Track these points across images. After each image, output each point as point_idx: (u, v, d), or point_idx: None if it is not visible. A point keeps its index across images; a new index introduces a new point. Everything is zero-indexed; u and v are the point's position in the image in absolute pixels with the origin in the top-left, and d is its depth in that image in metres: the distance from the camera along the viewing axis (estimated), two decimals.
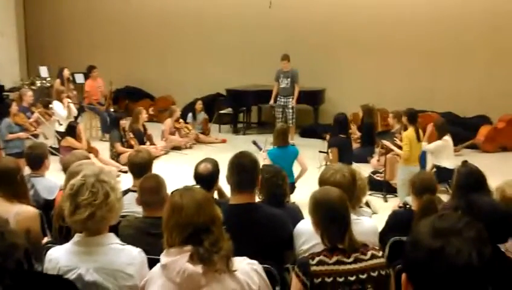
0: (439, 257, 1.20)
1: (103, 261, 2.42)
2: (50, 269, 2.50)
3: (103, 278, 2.40)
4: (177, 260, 2.16)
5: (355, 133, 9.72)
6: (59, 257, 2.49)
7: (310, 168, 6.92)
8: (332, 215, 2.60)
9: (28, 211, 3.50)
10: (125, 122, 9.46)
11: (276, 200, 3.74)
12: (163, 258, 2.22)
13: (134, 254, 2.50)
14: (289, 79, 10.60)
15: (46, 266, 2.53)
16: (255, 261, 2.35)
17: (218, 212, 2.29)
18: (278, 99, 10.80)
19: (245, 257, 2.33)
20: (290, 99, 10.70)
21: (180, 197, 2.27)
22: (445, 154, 7.52)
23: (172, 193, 2.42)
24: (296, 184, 6.65)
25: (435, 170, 7.36)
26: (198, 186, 3.37)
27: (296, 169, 6.74)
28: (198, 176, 3.85)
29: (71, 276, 2.42)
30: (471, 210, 2.62)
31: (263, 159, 6.34)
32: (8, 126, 8.50)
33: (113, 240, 2.51)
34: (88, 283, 2.39)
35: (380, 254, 2.62)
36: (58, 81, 11.06)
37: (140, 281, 2.39)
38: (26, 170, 4.63)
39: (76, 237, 2.49)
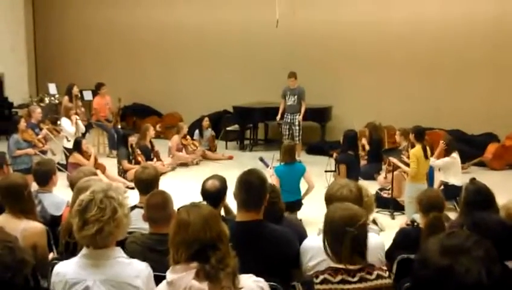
0: (448, 275, 1.19)
1: (110, 273, 2.44)
2: (57, 282, 2.51)
3: None
4: (183, 277, 2.15)
5: (366, 147, 9.66)
6: (66, 270, 2.50)
7: (316, 185, 6.90)
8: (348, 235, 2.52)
9: (35, 227, 3.51)
10: (133, 139, 9.51)
11: (274, 217, 3.73)
12: (169, 275, 2.21)
13: (141, 267, 2.51)
14: (296, 96, 10.63)
15: (54, 280, 2.54)
16: (261, 279, 2.33)
17: (225, 229, 2.28)
18: (285, 116, 10.82)
19: (251, 275, 2.32)
20: (297, 116, 10.71)
21: (187, 214, 2.26)
22: (452, 171, 7.49)
23: (179, 209, 2.42)
24: (303, 201, 6.62)
25: (442, 187, 7.32)
26: (205, 202, 3.36)
27: (303, 186, 6.72)
28: (206, 193, 3.85)
29: (78, 288, 2.43)
30: (478, 228, 2.60)
31: (270, 176, 6.33)
32: (16, 142, 8.55)
33: (120, 253, 2.53)
34: None
35: (386, 274, 2.58)
36: (66, 98, 11.14)
37: (148, 284, 2.40)
38: (34, 186, 4.64)
39: (84, 250, 2.51)
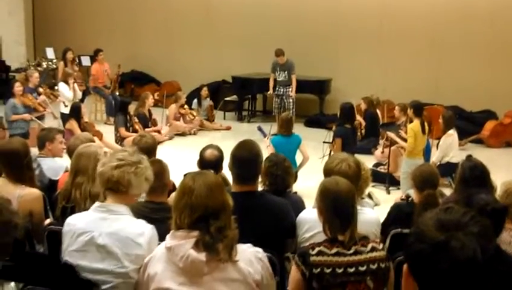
0: (443, 250, 1.19)
1: (116, 227, 2.53)
2: (67, 231, 2.62)
3: (113, 243, 2.50)
4: (182, 244, 2.17)
5: (361, 122, 9.64)
6: (76, 222, 2.62)
7: (313, 159, 6.91)
8: (338, 208, 2.59)
9: (32, 193, 3.51)
10: (131, 107, 9.47)
11: (277, 190, 3.73)
12: (169, 240, 2.23)
13: (146, 227, 2.58)
14: (286, 72, 10.60)
15: (64, 230, 2.65)
16: (259, 249, 2.35)
17: (228, 199, 2.29)
18: (277, 89, 10.79)
19: (250, 244, 2.33)
20: (289, 89, 10.68)
21: (192, 180, 2.27)
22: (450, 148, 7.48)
23: (185, 175, 2.43)
24: (298, 173, 6.64)
25: (438, 163, 7.34)
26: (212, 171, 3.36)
27: (299, 159, 6.74)
28: (205, 162, 3.85)
29: (84, 238, 2.54)
30: (469, 205, 2.61)
31: (266, 146, 6.34)
32: (13, 107, 8.51)
33: (128, 212, 2.63)
34: (99, 245, 2.51)
35: (381, 246, 2.61)
36: (62, 63, 11.07)
37: (149, 255, 2.44)
38: (33, 151, 4.65)
39: (97, 203, 2.63)
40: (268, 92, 10.94)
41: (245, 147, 3.19)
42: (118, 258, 2.49)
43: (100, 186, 2.66)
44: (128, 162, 2.58)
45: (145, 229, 2.56)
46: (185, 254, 2.15)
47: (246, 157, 3.10)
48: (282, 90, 10.72)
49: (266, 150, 6.21)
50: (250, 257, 2.27)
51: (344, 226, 2.56)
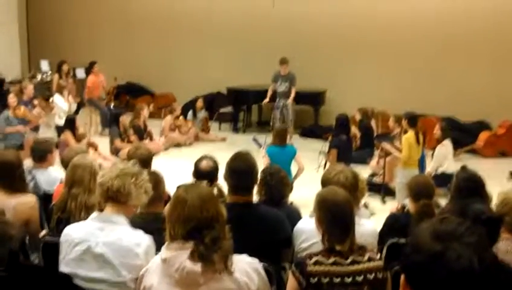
0: (439, 261, 1.19)
1: (114, 236, 2.54)
2: (64, 241, 2.63)
3: (110, 252, 2.51)
4: (178, 256, 2.16)
5: (356, 134, 9.68)
6: (74, 232, 2.63)
7: (309, 169, 6.91)
8: (336, 217, 2.59)
9: (27, 201, 3.50)
10: (125, 118, 9.47)
11: (272, 201, 3.73)
12: (164, 251, 2.23)
13: (144, 238, 2.59)
14: (288, 82, 10.61)
15: (61, 240, 2.65)
16: (255, 260, 2.35)
17: (221, 210, 2.29)
18: (277, 101, 10.79)
19: (245, 255, 2.33)
20: (289, 101, 10.71)
21: (185, 192, 2.28)
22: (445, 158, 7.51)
23: (177, 187, 2.43)
24: (294, 184, 6.64)
25: (434, 173, 7.36)
26: (204, 182, 3.36)
27: (294, 169, 6.74)
28: (200, 173, 3.85)
29: (81, 247, 2.54)
30: (464, 215, 2.62)
31: (262, 157, 6.35)
32: (6, 119, 8.49)
33: (126, 222, 2.64)
34: (96, 254, 2.52)
35: (378, 256, 2.62)
36: (56, 75, 11.08)
37: (146, 265, 2.44)
38: (28, 162, 4.64)
39: (95, 213, 2.63)
40: (265, 101, 10.93)
41: (240, 158, 3.20)
42: (115, 267, 2.49)
43: (99, 196, 2.67)
44: (128, 172, 2.61)
45: (142, 240, 2.57)
46: (181, 265, 2.14)
47: (241, 168, 3.11)
48: (282, 101, 10.74)
49: (262, 160, 6.23)
50: (245, 267, 2.26)
51: (343, 236, 2.56)
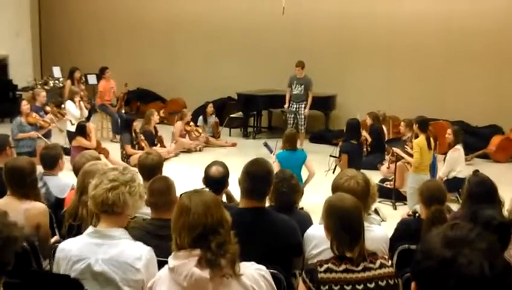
0: (450, 267, 1.18)
1: (112, 253, 2.49)
2: (62, 258, 2.58)
3: (111, 270, 2.47)
4: (185, 263, 2.16)
5: (368, 139, 9.62)
6: (71, 248, 2.57)
7: (319, 174, 6.89)
8: (345, 224, 2.57)
9: (38, 207, 3.53)
10: (136, 124, 9.52)
11: (283, 206, 3.72)
12: (171, 261, 2.22)
13: (144, 250, 2.55)
14: (302, 86, 10.57)
15: (58, 255, 2.60)
16: (262, 267, 2.34)
17: (226, 215, 2.28)
18: (291, 105, 10.77)
19: (253, 262, 2.32)
20: (303, 106, 10.67)
21: (189, 199, 2.27)
22: (456, 163, 7.46)
23: (181, 195, 2.43)
24: (304, 189, 6.62)
25: (445, 178, 7.31)
26: (207, 189, 3.37)
27: (304, 175, 6.73)
28: (210, 179, 3.85)
29: (81, 266, 2.49)
30: (475, 220, 2.60)
31: (273, 163, 6.34)
32: (19, 125, 8.57)
33: (125, 235, 2.58)
34: (96, 272, 2.46)
35: (389, 263, 2.59)
36: (69, 82, 11.16)
37: (148, 278, 2.43)
38: (39, 169, 4.67)
39: (90, 228, 2.57)
40: (285, 107, 10.88)
41: (259, 163, 3.22)
42: (116, 284, 2.47)
43: (93, 209, 2.60)
44: (121, 182, 2.53)
45: (142, 253, 2.53)
46: (189, 273, 2.14)
47: (258, 173, 3.11)
48: (295, 106, 10.70)
49: (273, 165, 6.21)
50: (253, 274, 2.26)
51: (353, 243, 2.54)
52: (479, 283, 1.17)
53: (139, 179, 2.64)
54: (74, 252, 2.53)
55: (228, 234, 2.24)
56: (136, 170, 3.41)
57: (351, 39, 11.98)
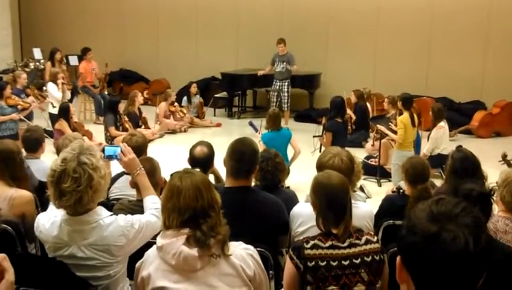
0: (434, 242, 1.19)
1: (93, 237, 2.45)
2: (43, 239, 2.57)
3: (95, 254, 2.45)
4: (173, 242, 2.16)
5: (352, 116, 9.64)
6: (49, 233, 2.50)
7: (305, 153, 6.91)
8: (331, 201, 2.59)
9: (23, 195, 3.49)
10: (121, 106, 9.44)
11: (268, 185, 3.73)
12: (160, 240, 2.22)
13: (122, 224, 2.51)
14: (285, 63, 10.54)
15: (39, 236, 2.58)
16: (250, 246, 2.35)
17: (217, 197, 2.28)
18: (274, 83, 10.75)
19: (241, 242, 2.33)
20: (286, 84, 10.65)
21: (180, 181, 2.25)
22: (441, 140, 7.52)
23: (171, 175, 2.41)
24: (290, 168, 6.65)
25: (429, 154, 7.37)
26: (198, 169, 3.36)
27: (290, 153, 6.74)
28: (194, 159, 3.84)
29: (64, 252, 2.46)
30: (457, 194, 2.61)
31: (258, 142, 6.33)
32: (0, 108, 8.44)
33: (100, 215, 2.50)
34: (82, 258, 2.45)
35: (375, 239, 2.62)
36: (49, 63, 10.98)
37: (133, 238, 2.49)
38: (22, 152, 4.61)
39: (65, 215, 2.48)
40: (259, 72, 10.92)
41: (245, 142, 3.22)
42: (104, 264, 2.47)
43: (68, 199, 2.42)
44: (83, 189, 2.35)
45: (121, 228, 2.49)
46: (177, 251, 2.14)
47: (245, 151, 3.10)
48: (278, 83, 10.69)
49: (258, 145, 6.21)
50: (242, 253, 2.27)
51: (338, 220, 2.56)
52: (464, 258, 1.18)
53: (94, 160, 2.41)
54: (54, 238, 2.48)
55: (218, 216, 2.24)
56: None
57: (335, 17, 11.93)
